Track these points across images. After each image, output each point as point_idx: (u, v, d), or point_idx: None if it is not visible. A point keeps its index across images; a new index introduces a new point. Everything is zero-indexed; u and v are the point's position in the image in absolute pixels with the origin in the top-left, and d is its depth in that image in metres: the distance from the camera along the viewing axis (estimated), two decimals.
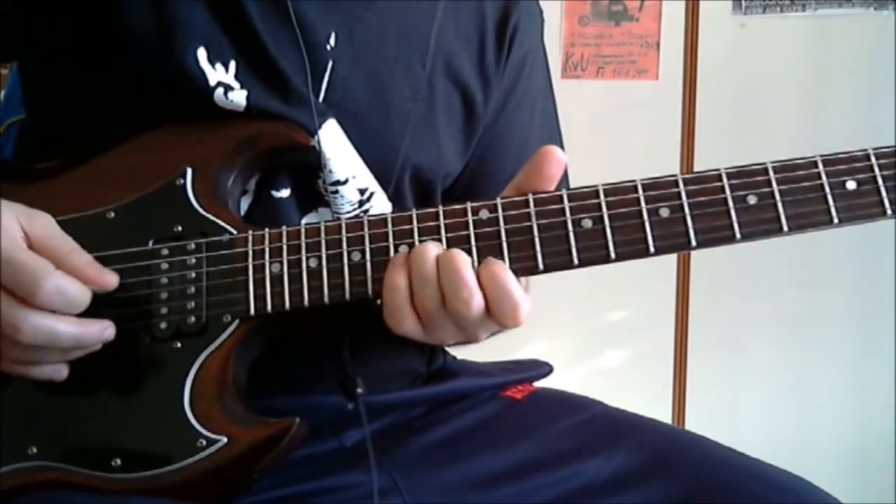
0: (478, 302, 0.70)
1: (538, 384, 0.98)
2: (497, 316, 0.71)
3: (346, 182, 0.85)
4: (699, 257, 2.48)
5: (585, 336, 2.49)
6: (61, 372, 0.75)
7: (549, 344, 2.47)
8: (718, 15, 2.43)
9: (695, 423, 2.50)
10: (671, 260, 2.48)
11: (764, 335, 2.50)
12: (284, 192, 0.85)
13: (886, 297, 2.41)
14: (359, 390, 0.83)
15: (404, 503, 0.82)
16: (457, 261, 0.71)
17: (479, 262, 0.72)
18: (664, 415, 2.50)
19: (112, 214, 0.80)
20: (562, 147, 1.02)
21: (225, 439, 0.73)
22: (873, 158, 0.71)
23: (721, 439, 0.86)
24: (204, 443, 0.73)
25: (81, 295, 0.73)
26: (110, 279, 0.75)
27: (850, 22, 2.38)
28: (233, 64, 0.82)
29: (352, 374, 0.83)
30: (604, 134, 2.42)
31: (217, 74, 0.81)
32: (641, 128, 2.45)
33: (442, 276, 0.70)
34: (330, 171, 0.84)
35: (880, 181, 0.71)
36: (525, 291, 0.73)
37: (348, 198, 0.85)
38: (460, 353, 1.02)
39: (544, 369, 0.99)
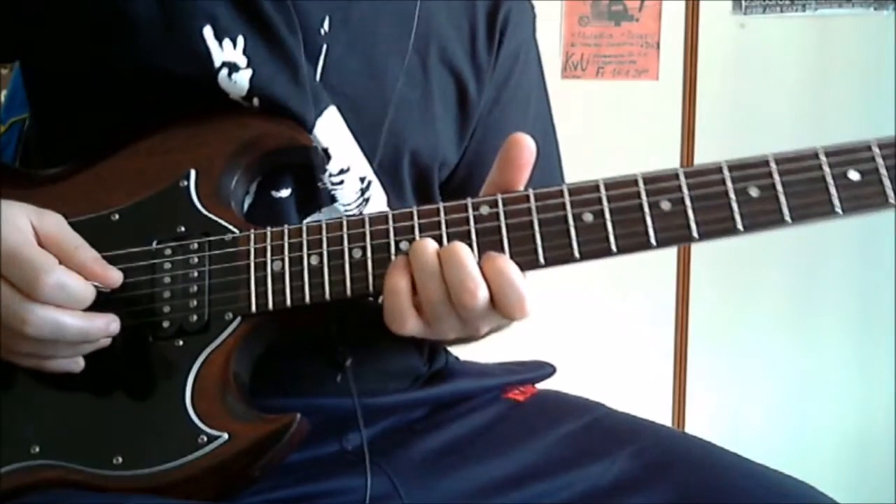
0: (483, 293, 0.70)
1: (540, 385, 0.98)
2: (502, 308, 0.70)
3: (347, 171, 0.85)
4: (700, 257, 2.48)
5: (585, 335, 2.49)
6: (78, 363, 0.75)
7: (549, 343, 2.46)
8: (718, 15, 2.43)
9: (695, 424, 2.50)
10: (671, 259, 2.49)
11: (764, 335, 2.51)
12: (285, 192, 0.85)
13: (887, 298, 2.42)
14: (348, 362, 0.83)
15: None
16: (460, 253, 0.71)
17: (480, 258, 0.72)
18: (664, 415, 2.50)
19: (116, 216, 0.80)
20: (556, 144, 1.03)
21: (226, 436, 0.73)
22: (875, 149, 0.71)
23: (721, 439, 0.87)
24: (205, 439, 0.73)
25: (84, 290, 0.73)
26: (114, 276, 0.75)
27: (850, 22, 2.38)
28: (241, 39, 0.82)
29: (341, 349, 0.83)
30: (604, 134, 2.42)
31: (223, 54, 0.81)
32: (641, 128, 2.45)
33: (446, 270, 0.70)
34: (331, 161, 0.84)
35: (883, 171, 0.70)
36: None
37: (350, 187, 0.85)
38: (462, 353, 1.02)
39: (547, 370, 0.99)
